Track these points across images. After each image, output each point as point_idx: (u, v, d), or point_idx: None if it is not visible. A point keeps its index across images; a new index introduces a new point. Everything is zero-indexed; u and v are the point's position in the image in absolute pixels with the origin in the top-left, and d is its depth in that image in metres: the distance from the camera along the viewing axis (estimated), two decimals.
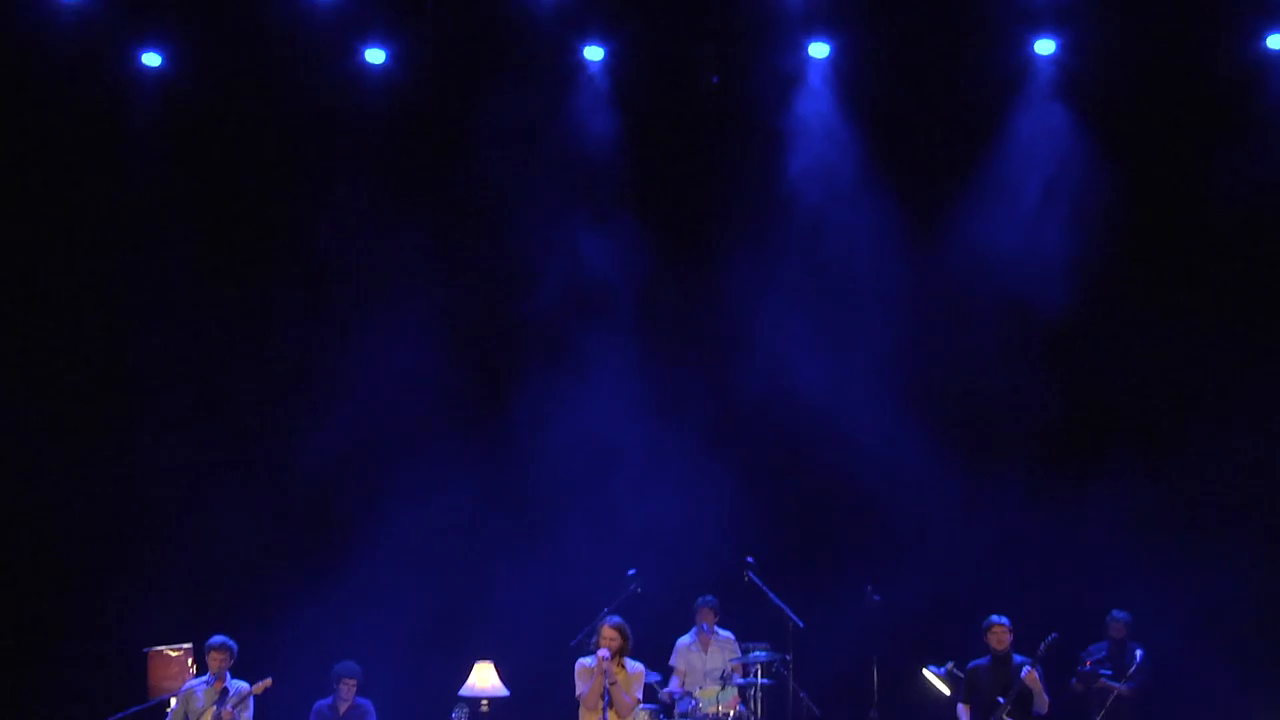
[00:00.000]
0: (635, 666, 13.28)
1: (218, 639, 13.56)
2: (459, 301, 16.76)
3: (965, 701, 13.84)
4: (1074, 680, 15.06)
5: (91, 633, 16.29)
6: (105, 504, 16.63)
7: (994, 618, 13.85)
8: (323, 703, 15.45)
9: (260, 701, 13.68)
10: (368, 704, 15.43)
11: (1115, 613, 15.33)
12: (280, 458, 16.55)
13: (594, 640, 13.37)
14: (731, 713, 15.21)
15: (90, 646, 16.24)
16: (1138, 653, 15.07)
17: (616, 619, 13.33)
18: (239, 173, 16.71)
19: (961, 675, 13.94)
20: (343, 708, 15.39)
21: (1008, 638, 13.78)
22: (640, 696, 13.44)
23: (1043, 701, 13.56)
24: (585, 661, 13.28)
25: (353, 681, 15.35)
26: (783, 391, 16.33)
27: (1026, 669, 13.50)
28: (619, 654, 13.14)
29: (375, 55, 16.66)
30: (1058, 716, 14.09)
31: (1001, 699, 13.54)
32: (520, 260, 16.64)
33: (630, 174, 16.70)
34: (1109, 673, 14.96)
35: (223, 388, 16.75)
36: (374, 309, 16.62)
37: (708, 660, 15.52)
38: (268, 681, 13.54)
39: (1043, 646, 13.59)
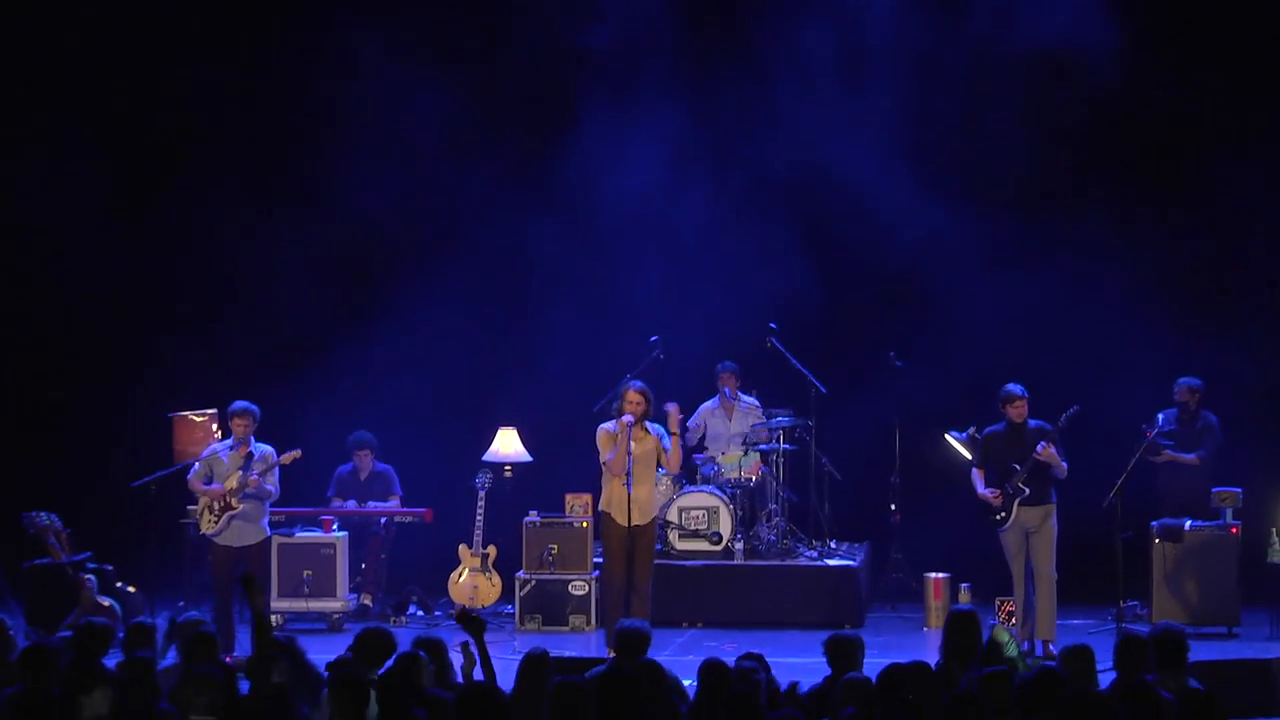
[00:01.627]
0: (658, 430, 13.30)
1: (239, 404, 13.47)
2: (501, 46, 16.41)
3: (980, 466, 13.58)
4: (1139, 454, 13.89)
5: (119, 398, 16.35)
6: (136, 266, 16.46)
7: (1013, 389, 13.35)
8: (344, 468, 15.57)
9: (284, 470, 13.68)
10: (389, 469, 15.54)
11: (1182, 379, 14.74)
12: (320, 212, 16.27)
13: (617, 405, 13.35)
14: (754, 478, 15.30)
15: (117, 412, 16.32)
16: (1211, 419, 14.74)
17: (639, 384, 13.32)
18: None
19: (981, 439, 13.77)
20: (363, 474, 15.50)
21: (1026, 409, 13.39)
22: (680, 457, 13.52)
23: (1060, 469, 13.33)
24: (607, 426, 13.30)
25: (365, 452, 15.43)
26: (810, 162, 16.00)
27: (1042, 445, 13.19)
28: (642, 419, 13.15)
29: None
30: (1092, 487, 13.93)
31: (1018, 465, 13.41)
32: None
33: None
34: (1170, 444, 14.60)
35: (262, 138, 16.49)
36: (415, 49, 16.03)
37: (731, 425, 15.55)
38: (296, 453, 13.49)
39: (1064, 418, 13.29)
